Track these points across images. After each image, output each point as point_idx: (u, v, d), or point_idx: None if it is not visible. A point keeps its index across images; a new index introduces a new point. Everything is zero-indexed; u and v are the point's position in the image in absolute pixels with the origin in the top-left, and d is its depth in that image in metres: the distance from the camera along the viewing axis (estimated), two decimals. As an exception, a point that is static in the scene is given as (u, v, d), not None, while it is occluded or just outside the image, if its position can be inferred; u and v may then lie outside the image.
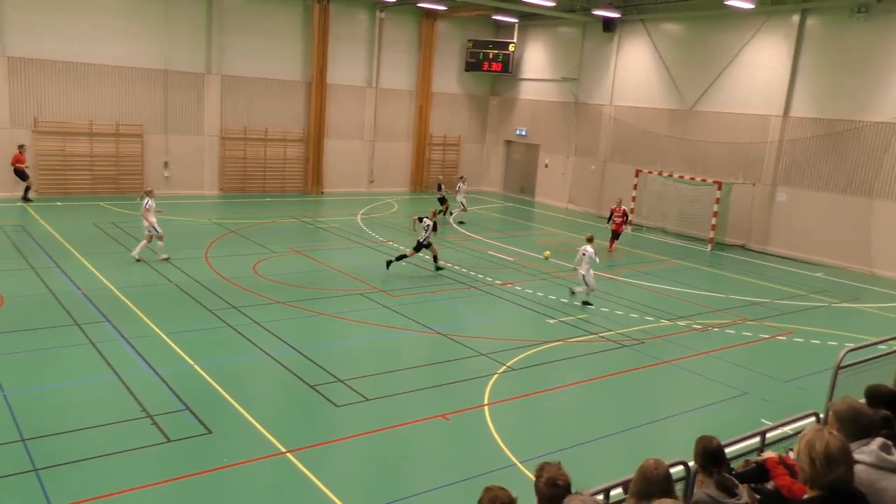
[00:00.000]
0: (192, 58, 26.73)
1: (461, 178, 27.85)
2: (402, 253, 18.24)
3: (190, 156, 27.41)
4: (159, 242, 17.23)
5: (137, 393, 10.01)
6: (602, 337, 13.99)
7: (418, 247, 17.80)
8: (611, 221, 22.07)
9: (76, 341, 11.84)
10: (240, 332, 12.83)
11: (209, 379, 10.69)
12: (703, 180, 24.79)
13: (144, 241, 17.21)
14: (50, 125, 24.56)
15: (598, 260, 16.50)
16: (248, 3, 27.32)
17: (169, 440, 8.81)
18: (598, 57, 29.69)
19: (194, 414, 9.51)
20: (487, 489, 4.11)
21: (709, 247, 24.02)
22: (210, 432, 9.06)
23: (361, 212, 26.67)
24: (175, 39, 26.22)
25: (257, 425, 9.33)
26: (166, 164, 26.96)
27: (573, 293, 16.47)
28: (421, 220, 18.00)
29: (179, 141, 27.09)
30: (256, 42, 27.88)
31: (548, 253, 19.49)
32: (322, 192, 30.21)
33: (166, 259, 17.17)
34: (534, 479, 4.27)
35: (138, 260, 16.96)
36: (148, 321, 13.01)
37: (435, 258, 18.15)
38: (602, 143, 29.73)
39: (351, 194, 30.71)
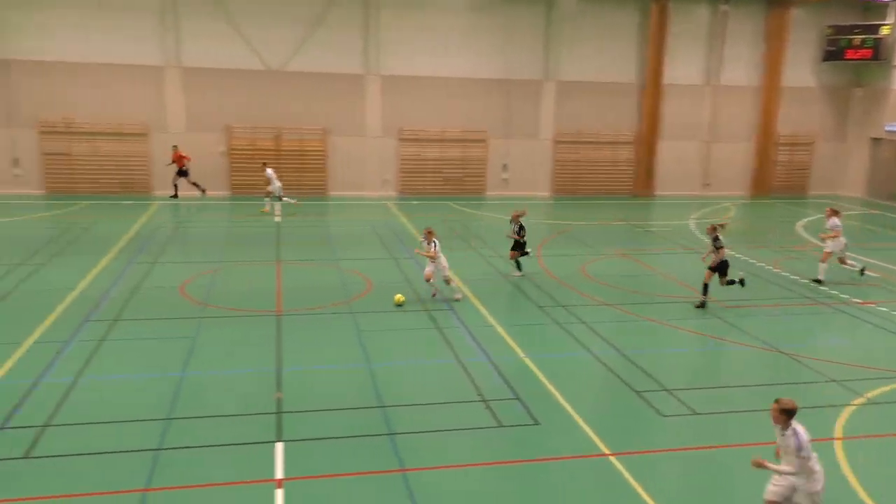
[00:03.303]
0: (531, 67, 28.17)
1: None
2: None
3: (526, 159, 28.94)
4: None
5: (474, 377, 10.87)
6: None
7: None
8: None
9: (424, 325, 13.28)
10: (566, 330, 13.16)
11: (537, 371, 11.16)
12: None
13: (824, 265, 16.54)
14: (411, 133, 27.97)
15: None
16: (584, 9, 27.86)
17: (501, 425, 9.40)
18: None
19: (523, 403, 10.00)
20: None
21: None
22: (537, 423, 9.45)
23: (694, 216, 25.43)
24: (515, 51, 27.90)
25: (581, 423, 9.47)
26: (505, 166, 28.82)
27: None
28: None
29: (517, 145, 28.77)
30: (591, 47, 28.35)
31: None
32: (653, 195, 29.53)
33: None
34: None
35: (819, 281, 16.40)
36: (485, 312, 14.04)
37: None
38: None
39: (683, 197, 29.48)
